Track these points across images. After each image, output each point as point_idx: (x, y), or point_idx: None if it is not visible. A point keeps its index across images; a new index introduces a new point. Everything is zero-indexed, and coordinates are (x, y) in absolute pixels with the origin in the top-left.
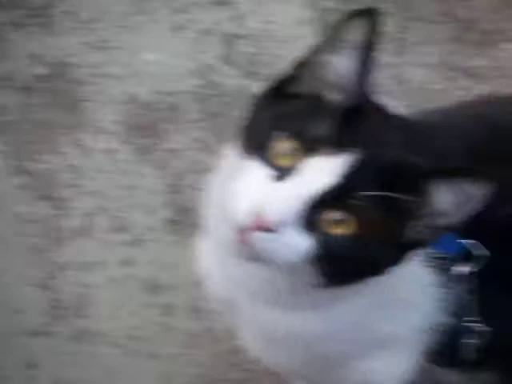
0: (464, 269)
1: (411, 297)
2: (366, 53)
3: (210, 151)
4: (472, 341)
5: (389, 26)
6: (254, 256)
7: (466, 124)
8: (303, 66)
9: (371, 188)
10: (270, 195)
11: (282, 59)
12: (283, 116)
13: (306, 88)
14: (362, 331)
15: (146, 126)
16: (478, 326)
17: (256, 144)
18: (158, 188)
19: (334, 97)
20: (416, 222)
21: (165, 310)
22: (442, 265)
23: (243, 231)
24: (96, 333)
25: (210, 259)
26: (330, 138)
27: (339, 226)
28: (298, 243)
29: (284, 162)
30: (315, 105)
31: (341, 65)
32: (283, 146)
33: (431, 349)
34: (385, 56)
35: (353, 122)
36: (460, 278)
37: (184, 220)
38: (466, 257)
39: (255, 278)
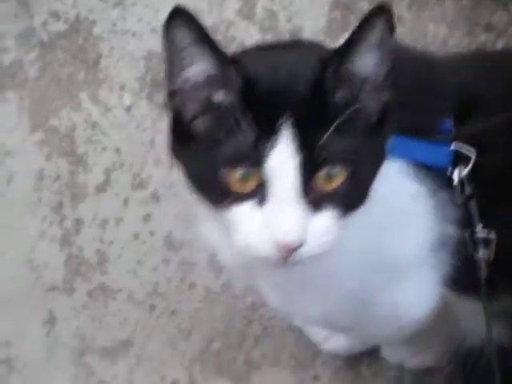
0: (455, 174)
1: (405, 210)
2: None
3: None
4: (480, 254)
5: None
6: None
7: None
8: (176, 96)
9: (322, 132)
10: (271, 223)
11: (300, 14)
12: (205, 157)
13: (196, 109)
14: (374, 256)
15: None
16: (483, 232)
17: (216, 196)
18: None
19: (219, 98)
20: (365, 97)
21: (184, 266)
22: (434, 174)
23: (278, 263)
24: (116, 289)
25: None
26: (259, 136)
27: (332, 180)
28: (325, 225)
29: (249, 185)
30: (219, 119)
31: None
32: (233, 177)
33: (447, 272)
34: (404, 11)
35: (258, 96)
36: (454, 185)
37: None
38: (455, 162)
39: None
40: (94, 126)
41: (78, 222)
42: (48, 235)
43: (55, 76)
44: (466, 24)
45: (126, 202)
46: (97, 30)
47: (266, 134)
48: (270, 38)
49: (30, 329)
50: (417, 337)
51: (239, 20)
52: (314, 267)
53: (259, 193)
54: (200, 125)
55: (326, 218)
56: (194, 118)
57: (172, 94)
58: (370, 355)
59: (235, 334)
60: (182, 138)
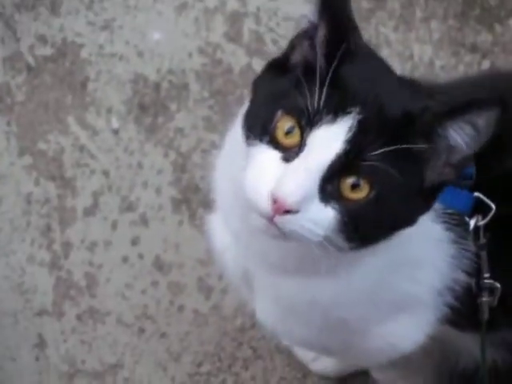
0: (472, 222)
1: (425, 254)
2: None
3: (216, 129)
4: (485, 299)
5: (394, 2)
6: (282, 237)
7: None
8: (298, 37)
9: (380, 145)
10: (283, 177)
11: (286, 37)
12: (279, 94)
13: (301, 57)
14: (381, 293)
15: (152, 105)
16: (490, 283)
17: (259, 128)
18: (164, 167)
19: (321, 61)
20: (433, 163)
21: (173, 289)
22: (452, 220)
23: (268, 217)
24: (105, 312)
25: (223, 234)
26: (324, 106)
27: (356, 190)
28: (322, 217)
29: (289, 141)
30: (307, 75)
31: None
32: (283, 124)
33: (447, 309)
34: (390, 33)
35: (344, 80)
36: (470, 233)
37: (191, 198)
38: (474, 211)
39: (276, 250)
40: (82, 149)
41: (67, 246)
42: (37, 259)
43: (42, 100)
44: (451, 45)
45: (114, 225)
46: (84, 54)
47: (332, 109)
48: (256, 61)
49: (19, 353)
50: (408, 360)
51: (226, 43)
52: (318, 287)
53: (291, 152)
54: (295, 70)
55: (327, 214)
56: (296, 62)
57: (297, 37)
58: (359, 376)
59: (225, 356)
60: (271, 73)
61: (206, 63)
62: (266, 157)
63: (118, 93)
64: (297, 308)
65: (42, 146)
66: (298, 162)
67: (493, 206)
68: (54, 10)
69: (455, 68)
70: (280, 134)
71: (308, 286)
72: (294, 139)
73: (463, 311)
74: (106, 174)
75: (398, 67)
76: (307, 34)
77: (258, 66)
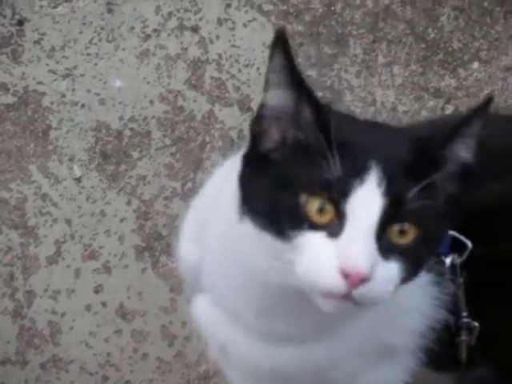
0: (448, 261)
1: (411, 300)
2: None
3: (178, 177)
4: (462, 338)
5: (356, 48)
6: (356, 307)
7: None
8: (259, 120)
9: (412, 185)
10: (344, 251)
11: (248, 84)
12: (284, 182)
13: (275, 138)
14: (369, 346)
15: (115, 152)
16: (467, 322)
17: (289, 220)
18: (127, 215)
19: (311, 137)
20: (443, 184)
21: (136, 337)
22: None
23: (342, 294)
24: (68, 361)
25: (210, 314)
26: (346, 172)
27: (405, 235)
28: (391, 273)
29: (324, 218)
30: (300, 151)
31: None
32: (312, 206)
33: (426, 351)
34: (353, 78)
35: (342, 143)
36: (447, 271)
37: (153, 246)
38: (451, 249)
39: (289, 322)
40: (45, 197)
41: (30, 294)
42: (0, 308)
43: (4, 148)
44: (414, 90)
45: (77, 273)
46: (45, 102)
47: (354, 171)
48: (218, 107)
49: None
50: None
51: (187, 90)
52: (318, 352)
53: (333, 225)
54: (278, 153)
55: (393, 268)
56: (274, 145)
57: (258, 118)
58: None
59: None
60: (256, 165)
61: (167, 110)
62: (312, 241)
63: (80, 141)
64: (292, 376)
65: (4, 194)
66: (349, 231)
67: (469, 244)
68: (16, 58)
69: (418, 113)
70: (313, 216)
71: (309, 353)
72: (329, 214)
73: (441, 351)
74: (68, 222)
75: (361, 113)
76: (285, 117)
77: (220, 112)
